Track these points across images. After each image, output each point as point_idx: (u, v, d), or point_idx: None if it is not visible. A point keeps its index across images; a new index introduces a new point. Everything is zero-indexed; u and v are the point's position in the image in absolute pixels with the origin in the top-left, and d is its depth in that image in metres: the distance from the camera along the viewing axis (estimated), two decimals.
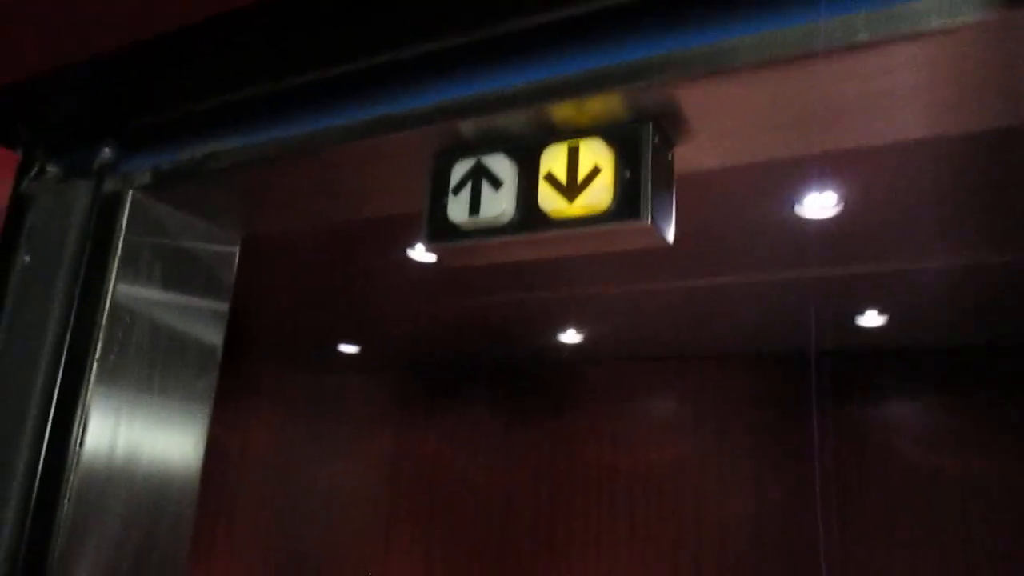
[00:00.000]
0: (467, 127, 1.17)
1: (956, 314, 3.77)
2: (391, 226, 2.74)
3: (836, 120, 1.13)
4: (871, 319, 3.90)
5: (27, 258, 1.39)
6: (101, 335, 1.33)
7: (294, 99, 1.30)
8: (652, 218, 1.06)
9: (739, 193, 2.51)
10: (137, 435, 1.39)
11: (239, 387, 5.31)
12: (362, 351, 5.41)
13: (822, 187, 2.40)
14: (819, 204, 2.56)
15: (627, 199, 1.07)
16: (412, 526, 5.60)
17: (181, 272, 1.46)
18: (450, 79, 1.19)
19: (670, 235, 1.13)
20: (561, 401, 5.37)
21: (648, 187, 1.07)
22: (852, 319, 3.89)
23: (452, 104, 1.17)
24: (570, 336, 4.70)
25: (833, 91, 1.05)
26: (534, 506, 5.27)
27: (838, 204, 2.52)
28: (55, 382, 1.32)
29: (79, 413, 1.30)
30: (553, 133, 1.15)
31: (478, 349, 5.29)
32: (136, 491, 1.39)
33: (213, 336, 1.50)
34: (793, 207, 2.61)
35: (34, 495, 1.28)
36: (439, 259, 1.21)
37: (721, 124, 1.15)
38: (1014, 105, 1.10)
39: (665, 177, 1.13)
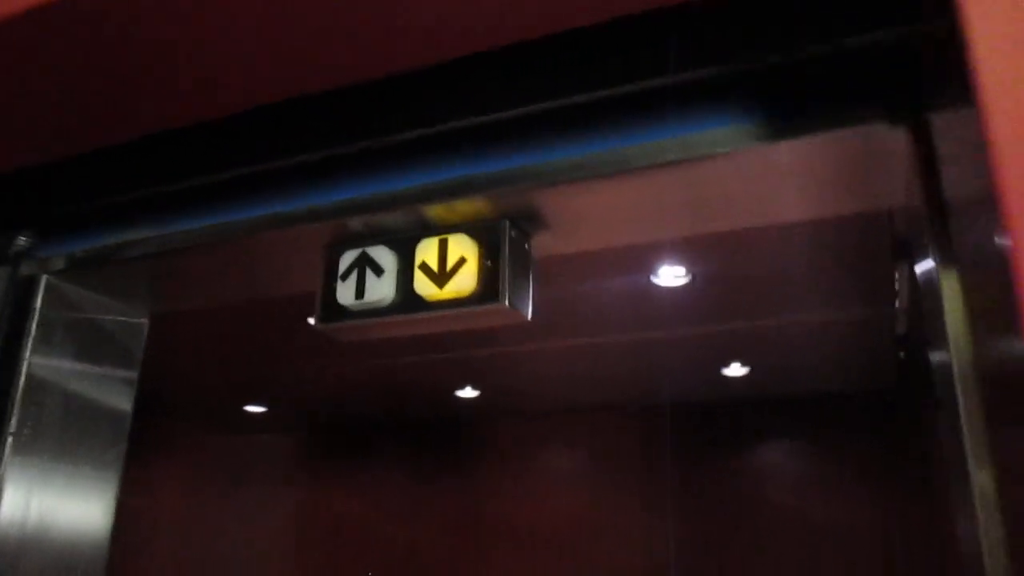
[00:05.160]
0: (354, 223, 1.37)
1: (817, 364, 4.13)
2: (295, 296, 2.89)
3: (667, 216, 1.38)
4: (735, 370, 4.24)
5: None
6: (16, 409, 1.44)
7: (201, 196, 1.47)
8: (509, 300, 1.28)
9: (603, 267, 2.85)
10: (49, 504, 1.48)
11: (147, 448, 5.22)
12: (269, 411, 5.45)
13: (672, 263, 2.77)
14: (672, 275, 2.97)
15: (488, 285, 1.29)
16: None
17: (93, 345, 1.59)
18: (340, 182, 1.39)
19: (528, 313, 1.35)
20: (464, 456, 5.50)
21: (506, 274, 1.29)
22: (718, 371, 4.22)
23: (342, 203, 1.37)
24: (467, 392, 4.89)
25: (661, 195, 1.30)
26: (441, 559, 5.34)
27: (687, 275, 2.88)
28: None
29: None
30: (427, 228, 1.36)
31: (383, 407, 5.40)
32: (47, 559, 1.48)
33: (123, 404, 1.62)
34: (650, 277, 3.01)
35: None
36: (330, 336, 1.39)
37: (572, 220, 1.39)
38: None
39: (522, 264, 1.35)
